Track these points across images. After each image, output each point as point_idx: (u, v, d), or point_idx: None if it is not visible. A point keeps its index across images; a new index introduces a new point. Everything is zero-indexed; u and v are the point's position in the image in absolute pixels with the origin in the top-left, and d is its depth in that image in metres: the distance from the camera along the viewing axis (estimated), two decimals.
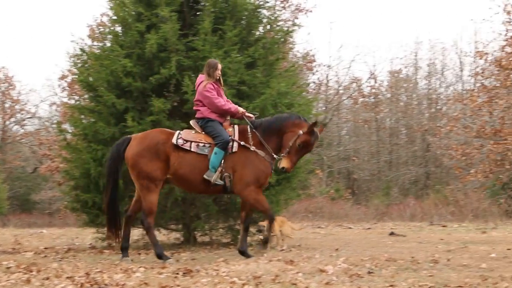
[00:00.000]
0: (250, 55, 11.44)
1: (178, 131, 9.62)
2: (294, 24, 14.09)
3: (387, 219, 20.39)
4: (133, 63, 11.16)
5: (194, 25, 11.57)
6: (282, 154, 9.47)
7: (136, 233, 11.72)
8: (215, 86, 9.59)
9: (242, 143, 9.45)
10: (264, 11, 12.27)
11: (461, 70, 32.07)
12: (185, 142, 9.42)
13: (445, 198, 21.31)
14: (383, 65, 55.61)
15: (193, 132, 9.56)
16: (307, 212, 19.88)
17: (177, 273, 7.77)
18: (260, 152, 9.45)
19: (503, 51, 20.80)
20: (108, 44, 11.98)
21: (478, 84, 22.99)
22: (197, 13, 11.95)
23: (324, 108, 29.27)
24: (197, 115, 9.68)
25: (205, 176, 9.33)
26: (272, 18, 12.26)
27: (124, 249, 9.57)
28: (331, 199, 24.69)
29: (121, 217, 9.79)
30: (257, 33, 12.23)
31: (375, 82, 31.71)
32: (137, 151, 9.39)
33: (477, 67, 25.10)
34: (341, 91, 31.18)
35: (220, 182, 9.37)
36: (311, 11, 26.79)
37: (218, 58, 10.58)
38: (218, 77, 9.67)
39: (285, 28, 12.41)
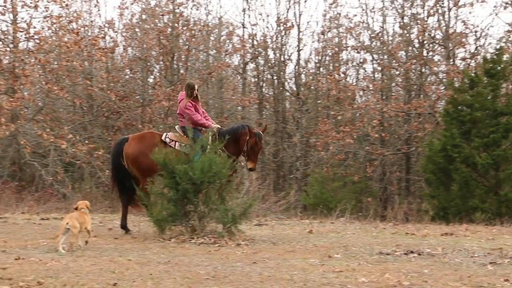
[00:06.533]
0: None
1: (165, 133, 12.38)
2: None
3: None
4: None
5: None
6: (245, 159, 12.37)
7: None
8: (193, 103, 12.19)
9: None
10: None
11: None
12: (171, 141, 12.06)
13: None
14: None
15: (177, 135, 12.16)
16: None
17: None
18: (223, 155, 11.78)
19: None
20: None
21: None
22: None
23: None
24: (180, 124, 12.26)
25: None
26: None
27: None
28: None
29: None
30: None
31: None
32: (137, 149, 12.06)
33: None
34: None
35: None
36: None
37: None
38: (195, 95, 12.26)
39: None
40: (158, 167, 11.55)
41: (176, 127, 12.51)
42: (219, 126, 12.67)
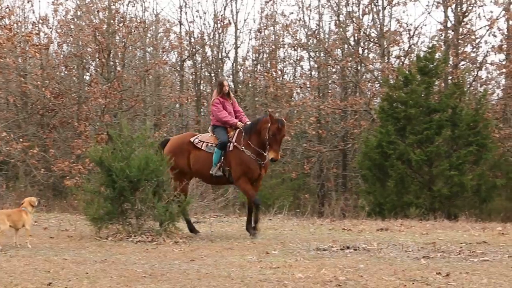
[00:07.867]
0: None
1: (199, 134, 12.20)
2: None
3: None
4: None
5: None
6: (267, 149, 11.40)
7: None
8: (221, 100, 11.75)
9: (235, 144, 11.50)
10: None
11: None
12: (199, 142, 11.74)
13: None
14: None
15: (209, 135, 11.83)
16: None
17: None
18: (247, 151, 11.42)
19: None
20: None
21: None
22: None
23: None
24: (211, 123, 11.91)
25: (210, 172, 11.60)
26: None
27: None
28: None
29: None
30: None
31: None
32: (167, 150, 11.69)
33: None
34: None
35: (220, 173, 11.59)
36: None
37: None
38: (226, 92, 11.81)
39: None
40: (186, 169, 11.70)
41: (209, 127, 12.12)
42: (244, 123, 11.74)
